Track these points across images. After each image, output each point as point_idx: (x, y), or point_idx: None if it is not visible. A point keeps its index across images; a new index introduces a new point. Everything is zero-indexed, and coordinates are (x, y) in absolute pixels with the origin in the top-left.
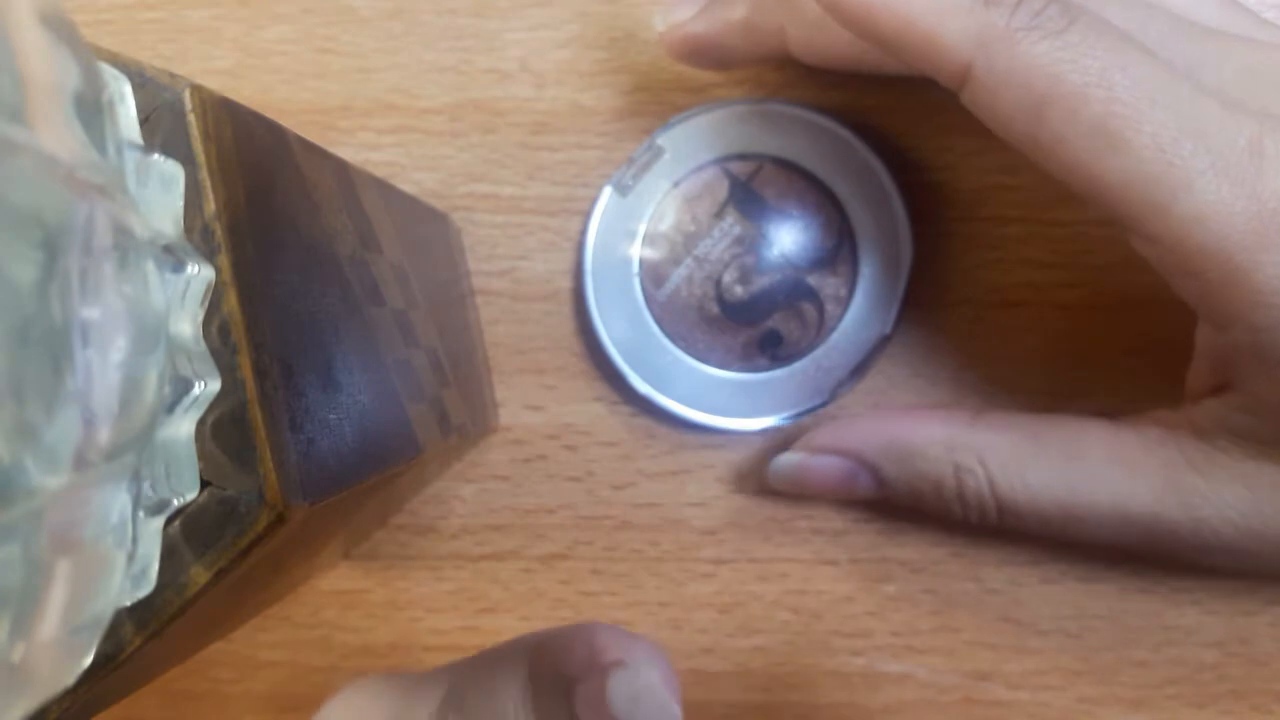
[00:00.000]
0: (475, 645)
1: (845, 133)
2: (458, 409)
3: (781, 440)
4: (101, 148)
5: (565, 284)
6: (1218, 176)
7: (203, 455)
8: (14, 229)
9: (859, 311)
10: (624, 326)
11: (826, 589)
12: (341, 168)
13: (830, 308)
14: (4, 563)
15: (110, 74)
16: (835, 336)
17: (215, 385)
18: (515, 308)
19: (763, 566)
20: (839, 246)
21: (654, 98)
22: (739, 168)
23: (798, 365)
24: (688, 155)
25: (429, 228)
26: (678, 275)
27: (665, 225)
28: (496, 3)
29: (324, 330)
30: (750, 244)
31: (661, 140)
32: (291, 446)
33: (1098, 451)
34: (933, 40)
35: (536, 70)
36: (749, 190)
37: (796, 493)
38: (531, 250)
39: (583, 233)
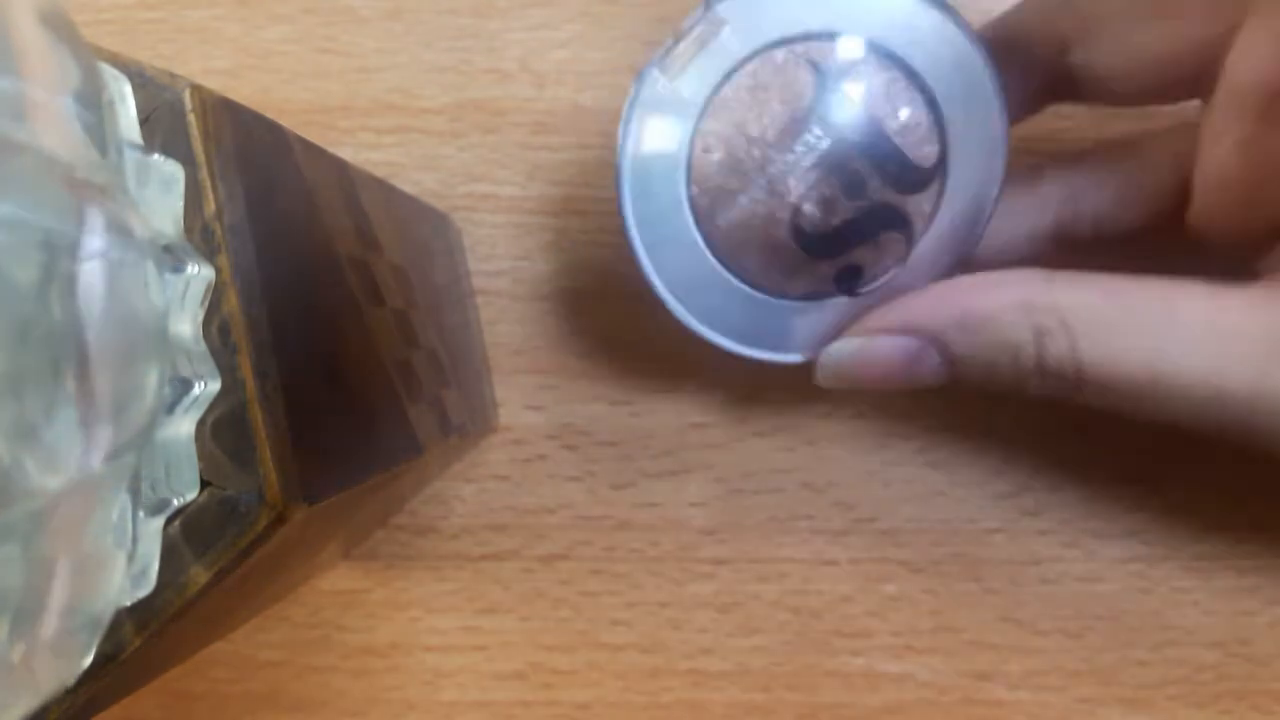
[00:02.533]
0: (475, 645)
1: (951, 10)
2: (458, 409)
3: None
4: (101, 148)
5: (565, 284)
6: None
7: (203, 455)
8: (14, 229)
9: (942, 233)
10: (669, 252)
11: (826, 589)
12: (341, 168)
13: (917, 227)
14: (4, 563)
15: (110, 74)
16: (912, 260)
17: (215, 385)
18: (515, 308)
19: (763, 566)
20: (938, 166)
21: None
22: (825, 57)
23: (865, 296)
24: (755, 30)
25: (429, 228)
26: (744, 200)
27: (724, 127)
28: (496, 3)
29: (324, 330)
30: (836, 164)
31: (721, 8)
32: (291, 446)
33: (1193, 312)
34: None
35: (536, 70)
36: (838, 91)
37: (851, 385)
38: (531, 250)
39: (621, 134)
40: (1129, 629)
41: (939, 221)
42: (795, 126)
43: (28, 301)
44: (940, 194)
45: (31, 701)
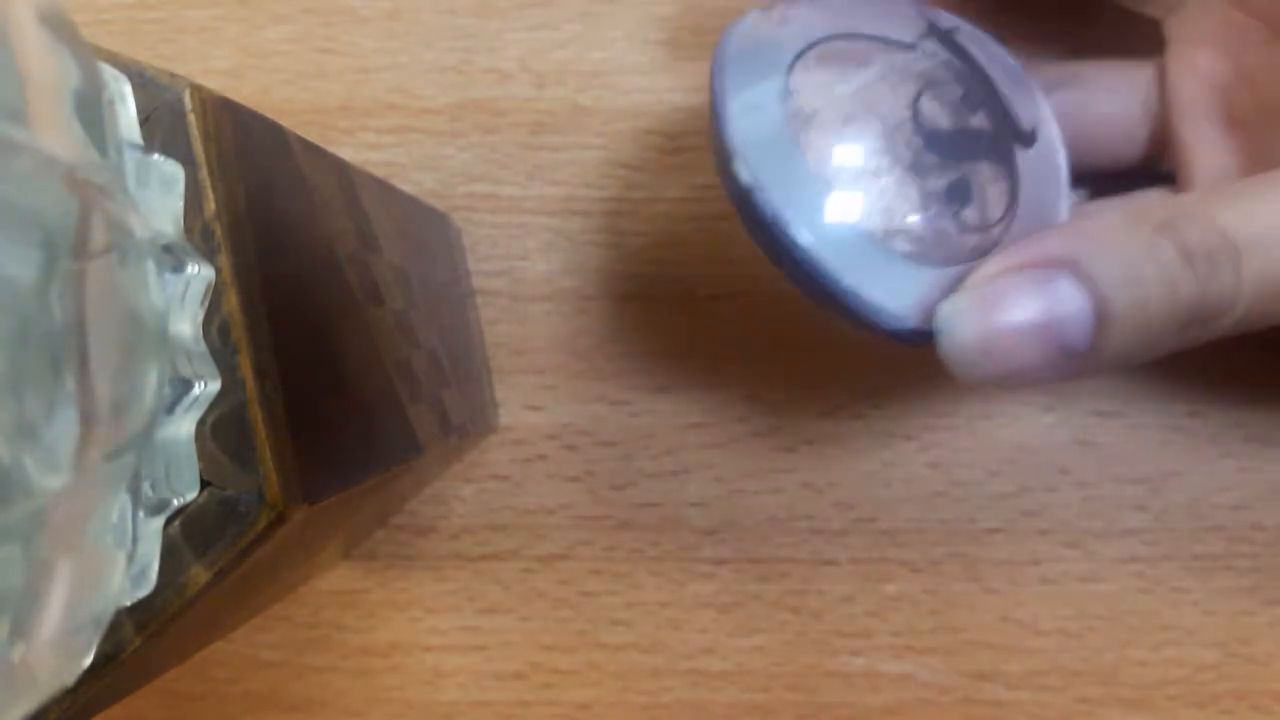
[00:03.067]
0: (475, 645)
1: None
2: (458, 409)
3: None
4: (101, 148)
5: (565, 284)
6: None
7: (203, 455)
8: (14, 229)
9: (1028, 208)
10: (756, 118)
11: (826, 589)
12: (341, 168)
13: (1016, 190)
14: (4, 563)
15: (110, 74)
16: (1019, 220)
17: (215, 385)
18: (515, 308)
19: (763, 566)
20: (1034, 134)
21: (655, 98)
22: (938, 16)
23: (953, 270)
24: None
25: (429, 228)
26: (864, 76)
27: (834, 49)
28: (496, 3)
29: (324, 330)
30: (957, 75)
31: None
32: (291, 446)
33: None
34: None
35: (536, 70)
36: (948, 37)
37: (979, 361)
38: (531, 250)
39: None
40: (1129, 629)
41: (1025, 192)
42: (916, 31)
43: (28, 301)
44: (1033, 165)
45: (31, 701)
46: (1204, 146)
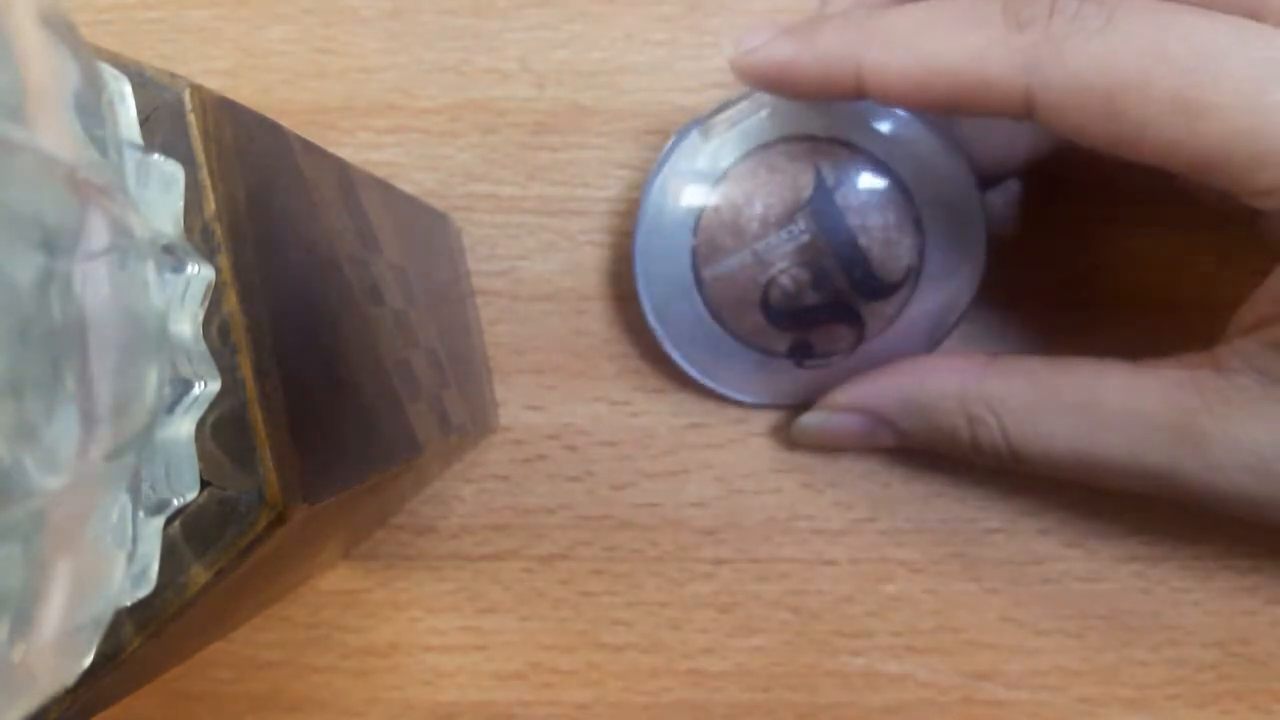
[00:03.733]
0: (475, 645)
1: (957, 156)
2: (458, 409)
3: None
4: (101, 148)
5: (565, 284)
6: None
7: (203, 455)
8: (14, 229)
9: (900, 334)
10: (664, 277)
11: (826, 589)
12: (341, 168)
13: (872, 327)
14: (4, 563)
15: (110, 74)
16: (870, 348)
17: (215, 385)
18: (515, 308)
19: (763, 566)
20: (902, 284)
21: (655, 98)
22: (829, 166)
23: (823, 372)
24: (789, 118)
25: (429, 228)
26: (733, 260)
27: (737, 191)
28: (496, 3)
29: (324, 330)
30: (812, 258)
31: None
32: (291, 446)
33: (1114, 399)
34: (984, 85)
35: (536, 70)
36: (831, 200)
37: (821, 449)
38: (531, 250)
39: (654, 171)
40: (1129, 629)
41: (901, 322)
42: (788, 213)
43: (28, 301)
44: (907, 300)
45: (31, 701)
46: None
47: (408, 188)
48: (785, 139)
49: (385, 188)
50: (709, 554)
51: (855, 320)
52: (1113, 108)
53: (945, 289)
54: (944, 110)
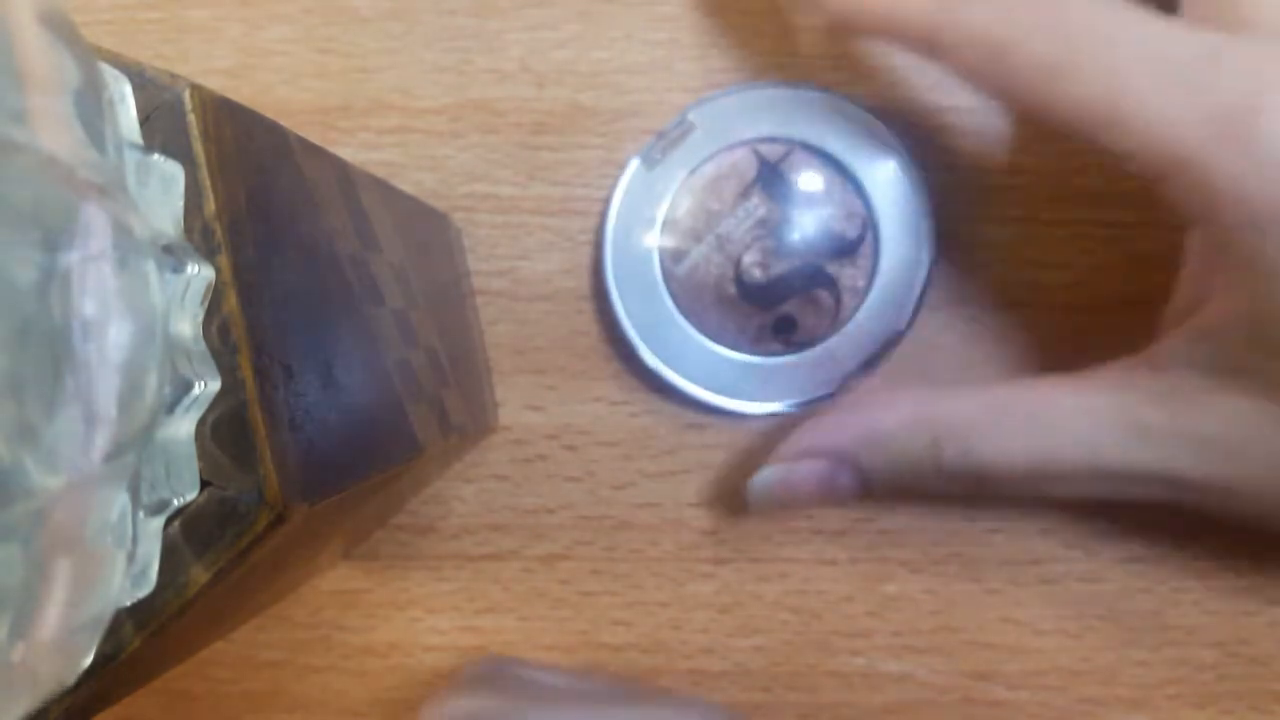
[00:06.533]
0: (475, 645)
1: (878, 125)
2: (458, 409)
3: (787, 426)
4: (101, 148)
5: (565, 284)
6: (1171, 87)
7: (203, 455)
8: (14, 229)
9: (875, 305)
10: (639, 301)
11: (826, 589)
12: (341, 168)
13: (847, 299)
14: (4, 563)
15: (110, 74)
16: (850, 327)
17: (215, 385)
18: (515, 308)
19: (763, 566)
20: (861, 239)
21: (655, 98)
22: (769, 150)
23: (809, 353)
24: (718, 133)
25: (429, 228)
26: (697, 253)
27: (689, 203)
28: (496, 3)
29: (324, 330)
30: (773, 227)
31: (693, 115)
32: (291, 446)
33: (1064, 406)
34: (903, 25)
35: (536, 70)
36: (776, 172)
37: (781, 508)
38: (531, 250)
39: (605, 205)
40: (1129, 629)
41: (871, 298)
42: (741, 197)
43: (28, 301)
44: (872, 273)
45: (31, 701)
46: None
47: (408, 188)
48: (721, 150)
49: (385, 188)
50: (709, 554)
51: (829, 283)
52: (1000, 61)
53: (904, 249)
54: (872, 37)
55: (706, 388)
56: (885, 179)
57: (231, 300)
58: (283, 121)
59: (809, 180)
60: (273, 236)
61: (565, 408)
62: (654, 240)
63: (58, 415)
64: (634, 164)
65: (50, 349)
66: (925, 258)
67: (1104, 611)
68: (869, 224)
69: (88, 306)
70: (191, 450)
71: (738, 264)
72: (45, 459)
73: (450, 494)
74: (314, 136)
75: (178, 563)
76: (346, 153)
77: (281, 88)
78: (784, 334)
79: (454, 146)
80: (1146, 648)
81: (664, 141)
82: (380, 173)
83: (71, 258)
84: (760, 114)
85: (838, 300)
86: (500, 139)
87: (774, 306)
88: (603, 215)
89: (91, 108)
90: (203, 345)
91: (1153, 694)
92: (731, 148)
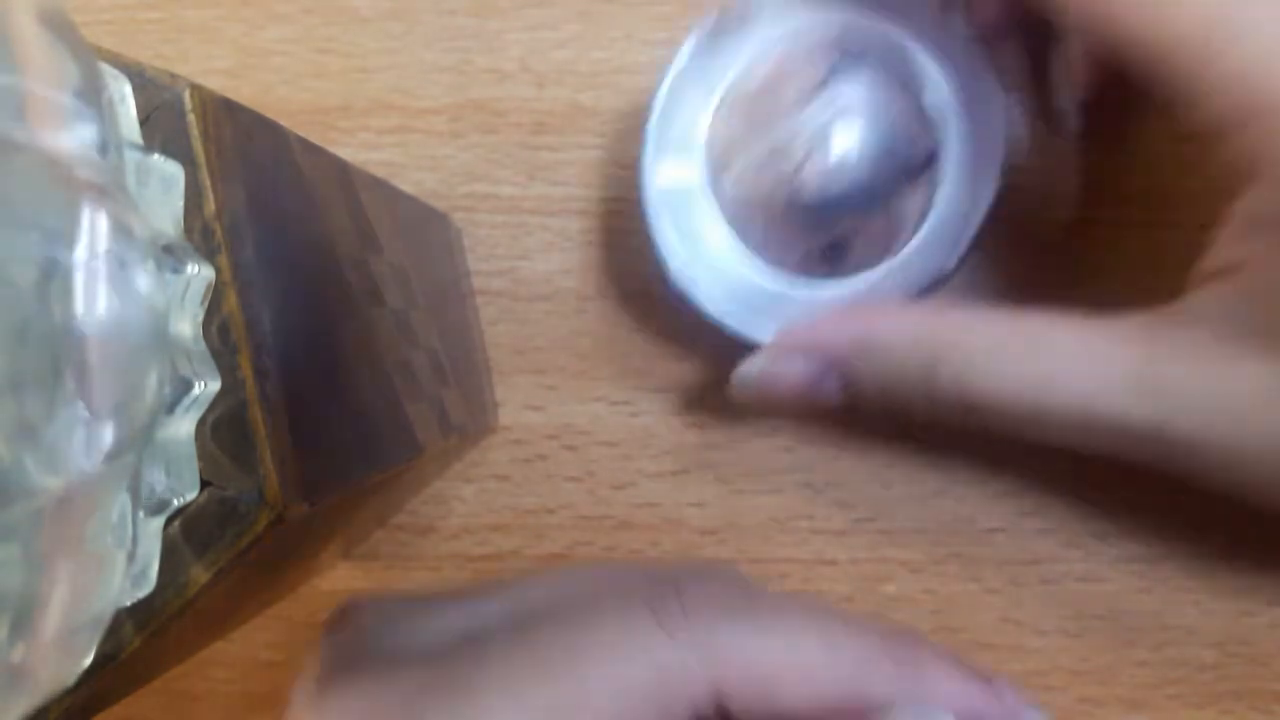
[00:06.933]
0: None
1: (978, 48)
2: (458, 409)
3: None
4: (101, 148)
5: (565, 284)
6: (1270, 26)
7: (203, 455)
8: (14, 229)
9: (926, 241)
10: (678, 211)
11: (826, 589)
12: (341, 168)
13: (901, 228)
14: (4, 563)
15: (110, 74)
16: (898, 261)
17: (215, 385)
18: (515, 308)
19: (763, 566)
20: (926, 165)
21: None
22: (843, 45)
23: (852, 283)
24: (790, 14)
25: (429, 228)
26: (750, 158)
27: (747, 93)
28: (496, 3)
29: (324, 330)
30: (837, 142)
31: None
32: (291, 446)
33: (1068, 344)
34: None
35: (536, 70)
36: (850, 79)
37: (761, 404)
38: (531, 250)
39: (656, 85)
40: (1129, 629)
41: (924, 230)
42: (804, 100)
43: (28, 301)
44: (929, 203)
45: (31, 701)
46: None
47: (408, 188)
48: (791, 36)
49: (385, 188)
50: (709, 554)
51: (888, 209)
52: None
53: (964, 191)
54: None
55: (735, 320)
56: (969, 104)
57: (231, 300)
58: (283, 121)
59: (883, 90)
60: (273, 236)
61: (565, 408)
62: (702, 132)
63: (58, 415)
64: (691, 41)
65: (50, 349)
66: (985, 199)
67: (1104, 611)
68: (934, 151)
69: (88, 306)
70: (191, 450)
71: (794, 176)
72: (45, 459)
73: (450, 494)
74: (314, 136)
75: (178, 563)
76: (346, 153)
77: (281, 88)
78: (834, 258)
79: (454, 146)
80: (1146, 648)
81: (728, 18)
82: (380, 173)
83: (71, 258)
84: (834, 6)
85: (892, 230)
86: (500, 139)
87: (828, 228)
88: (650, 98)
89: (91, 108)
90: (203, 345)
91: (1152, 694)
92: (803, 35)
